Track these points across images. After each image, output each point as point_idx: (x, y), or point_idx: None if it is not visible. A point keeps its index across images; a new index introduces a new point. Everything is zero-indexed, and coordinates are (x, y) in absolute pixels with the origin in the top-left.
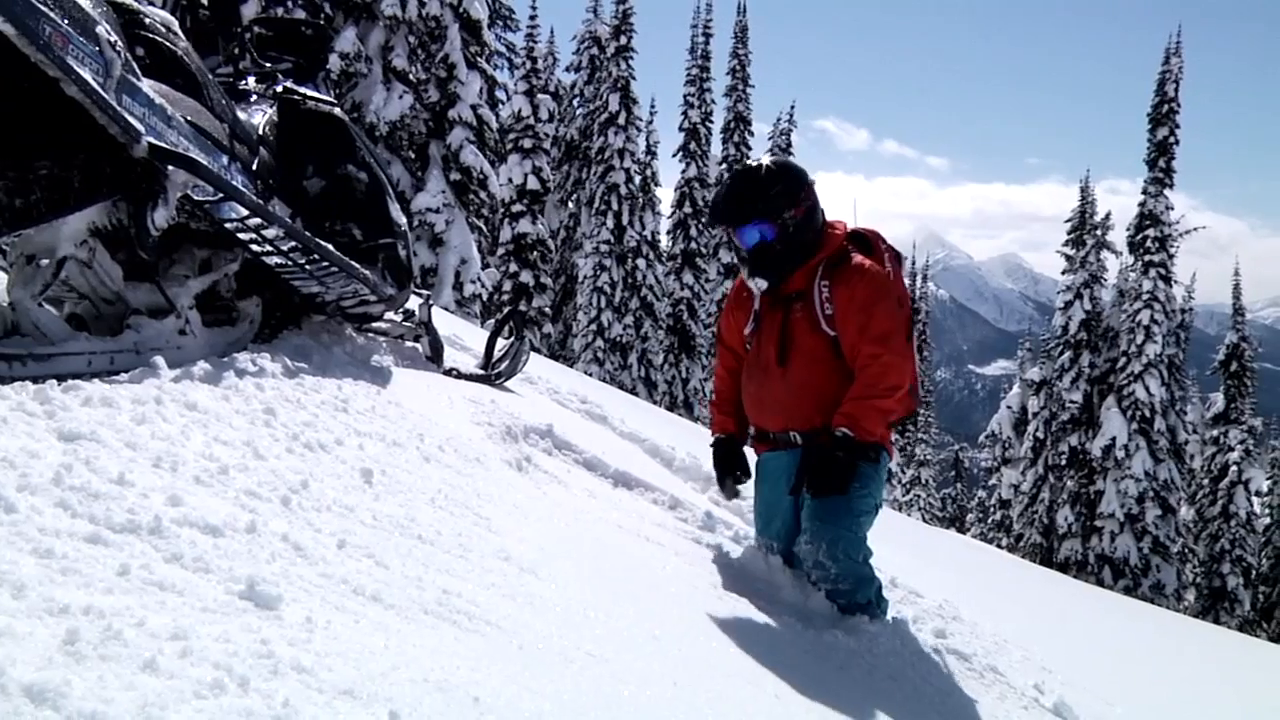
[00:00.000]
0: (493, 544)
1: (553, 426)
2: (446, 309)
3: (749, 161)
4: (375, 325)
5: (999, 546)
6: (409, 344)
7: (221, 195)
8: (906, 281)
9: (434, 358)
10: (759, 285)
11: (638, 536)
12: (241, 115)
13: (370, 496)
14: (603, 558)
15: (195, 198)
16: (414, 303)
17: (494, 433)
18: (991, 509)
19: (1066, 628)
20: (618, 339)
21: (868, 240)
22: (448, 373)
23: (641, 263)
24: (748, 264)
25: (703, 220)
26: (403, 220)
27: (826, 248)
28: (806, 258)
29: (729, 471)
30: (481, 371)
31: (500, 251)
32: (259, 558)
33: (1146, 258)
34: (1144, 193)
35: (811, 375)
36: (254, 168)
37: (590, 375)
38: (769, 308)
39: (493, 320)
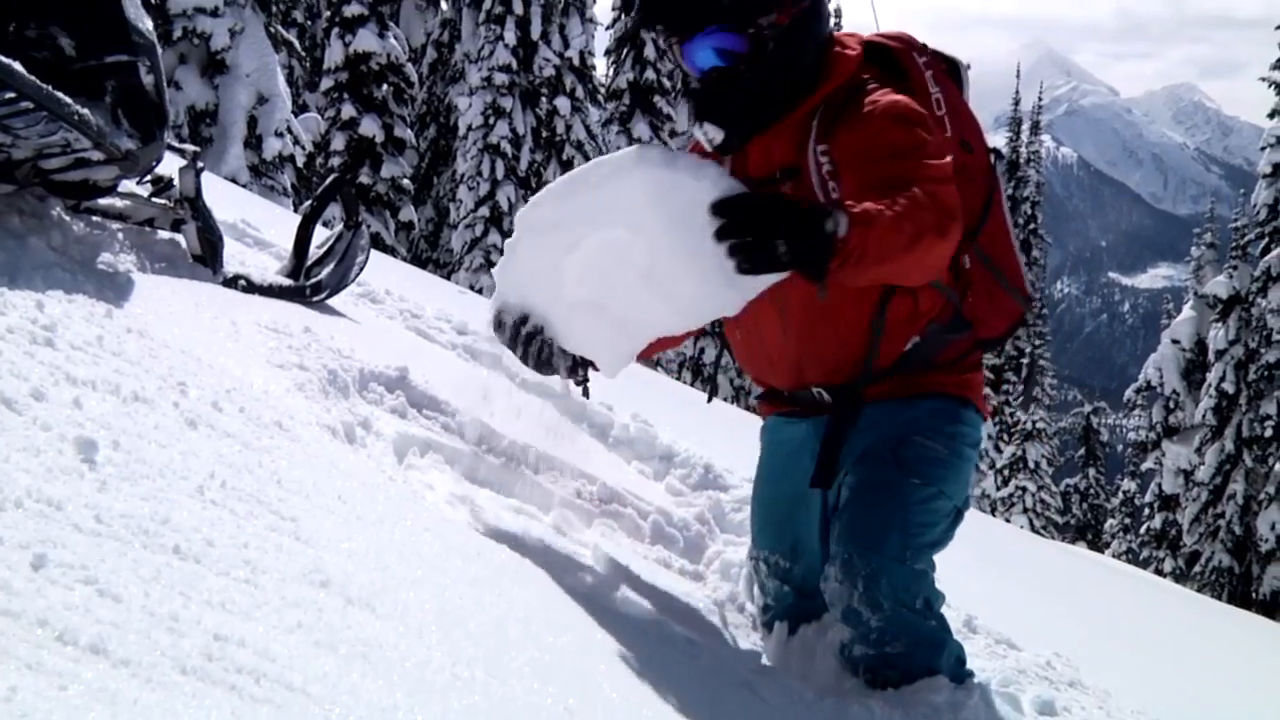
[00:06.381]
0: (301, 561)
1: (408, 372)
2: (234, 180)
3: None
4: (104, 203)
5: (1158, 572)
6: (164, 234)
7: None
8: (990, 126)
9: (207, 258)
10: (710, 138)
11: (544, 549)
12: None
13: (92, 484)
14: (485, 585)
15: None
16: (171, 166)
17: (308, 381)
18: (1146, 510)
19: (1270, 704)
20: None
21: (892, 55)
22: (231, 283)
23: (564, 103)
24: (694, 101)
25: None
26: (148, 25)
27: (828, 81)
28: (793, 99)
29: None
30: (289, 282)
31: (326, 84)
32: None
33: None
34: None
35: (826, 304)
36: None
37: (478, 291)
38: None
39: (309, 199)
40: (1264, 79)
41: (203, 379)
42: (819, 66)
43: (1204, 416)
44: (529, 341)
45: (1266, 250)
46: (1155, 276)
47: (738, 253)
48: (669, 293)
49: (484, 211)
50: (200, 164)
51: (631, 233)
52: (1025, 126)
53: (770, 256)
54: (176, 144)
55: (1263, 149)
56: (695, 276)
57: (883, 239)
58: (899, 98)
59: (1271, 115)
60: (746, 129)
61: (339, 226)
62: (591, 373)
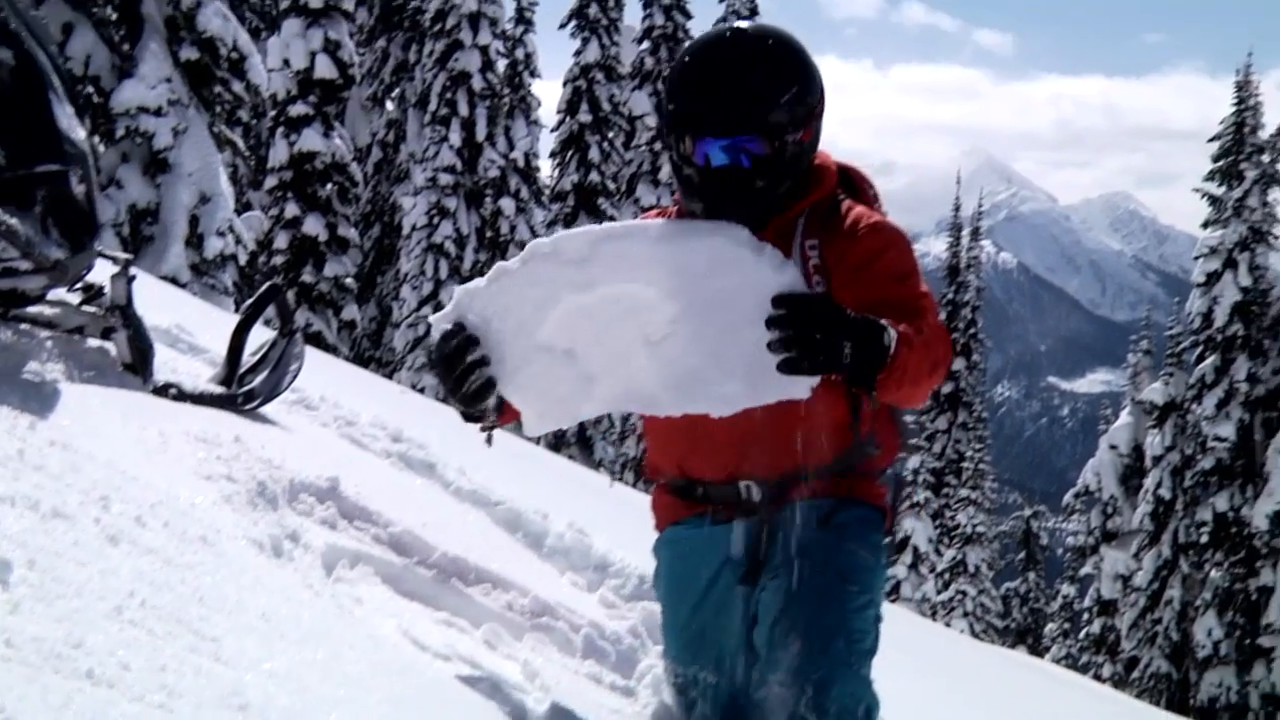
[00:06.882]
0: (220, 683)
1: (339, 482)
2: (175, 279)
3: (740, 25)
4: (32, 311)
5: (1097, 677)
6: (94, 342)
7: None
8: (931, 231)
9: (137, 366)
10: None
11: (473, 665)
12: None
13: (3, 606)
14: (410, 705)
15: None
16: (103, 273)
17: (236, 493)
18: (1085, 615)
19: None
20: None
21: (854, 184)
22: (162, 391)
23: (508, 204)
24: (702, 193)
25: (609, 136)
26: (81, 134)
27: (816, 191)
28: (787, 203)
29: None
30: (221, 390)
31: (270, 183)
32: None
33: None
34: None
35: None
36: None
37: (419, 391)
38: None
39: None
40: (1197, 190)
41: (127, 493)
42: (809, 176)
43: (1141, 522)
44: (473, 369)
45: (1201, 358)
46: (1094, 381)
47: (797, 346)
48: (670, 367)
49: (427, 311)
50: (132, 272)
51: (664, 295)
52: (966, 232)
53: (834, 357)
54: (108, 251)
55: (1196, 258)
56: (710, 360)
57: (916, 363)
58: (884, 217)
59: (1205, 225)
60: (755, 227)
61: (277, 335)
62: (525, 478)
